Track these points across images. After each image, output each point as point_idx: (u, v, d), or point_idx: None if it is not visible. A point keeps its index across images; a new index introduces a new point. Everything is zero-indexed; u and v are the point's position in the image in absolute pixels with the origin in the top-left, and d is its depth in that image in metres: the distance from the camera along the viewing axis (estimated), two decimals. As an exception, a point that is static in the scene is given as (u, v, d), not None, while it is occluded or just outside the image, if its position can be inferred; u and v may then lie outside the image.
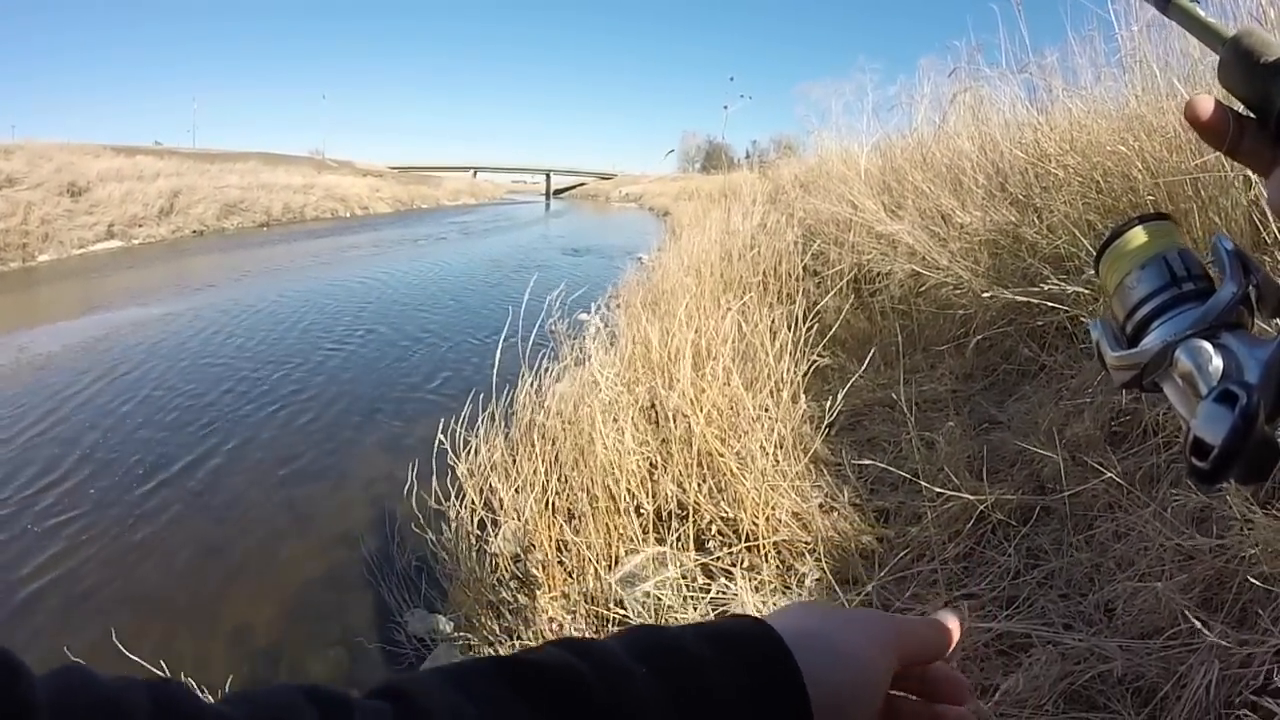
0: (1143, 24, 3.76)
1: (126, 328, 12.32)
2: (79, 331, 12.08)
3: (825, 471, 3.28)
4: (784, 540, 2.89)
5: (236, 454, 6.51)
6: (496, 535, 3.77)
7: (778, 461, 3.15)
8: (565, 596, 2.99)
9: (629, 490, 3.22)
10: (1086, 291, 3.27)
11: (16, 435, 6.96)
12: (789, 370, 3.51)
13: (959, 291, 4.41)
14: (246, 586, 4.55)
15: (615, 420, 3.43)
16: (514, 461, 3.91)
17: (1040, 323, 3.70)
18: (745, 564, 2.84)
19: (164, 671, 2.80)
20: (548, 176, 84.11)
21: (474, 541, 3.74)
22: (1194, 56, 3.25)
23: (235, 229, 34.16)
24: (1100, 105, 4.20)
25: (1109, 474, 2.45)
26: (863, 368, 3.69)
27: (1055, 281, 3.37)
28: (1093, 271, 0.72)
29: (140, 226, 30.25)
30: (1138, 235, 0.55)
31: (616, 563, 3.03)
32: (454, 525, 3.81)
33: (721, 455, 3.16)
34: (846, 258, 5.83)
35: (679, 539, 3.05)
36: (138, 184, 32.85)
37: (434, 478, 4.22)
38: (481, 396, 4.47)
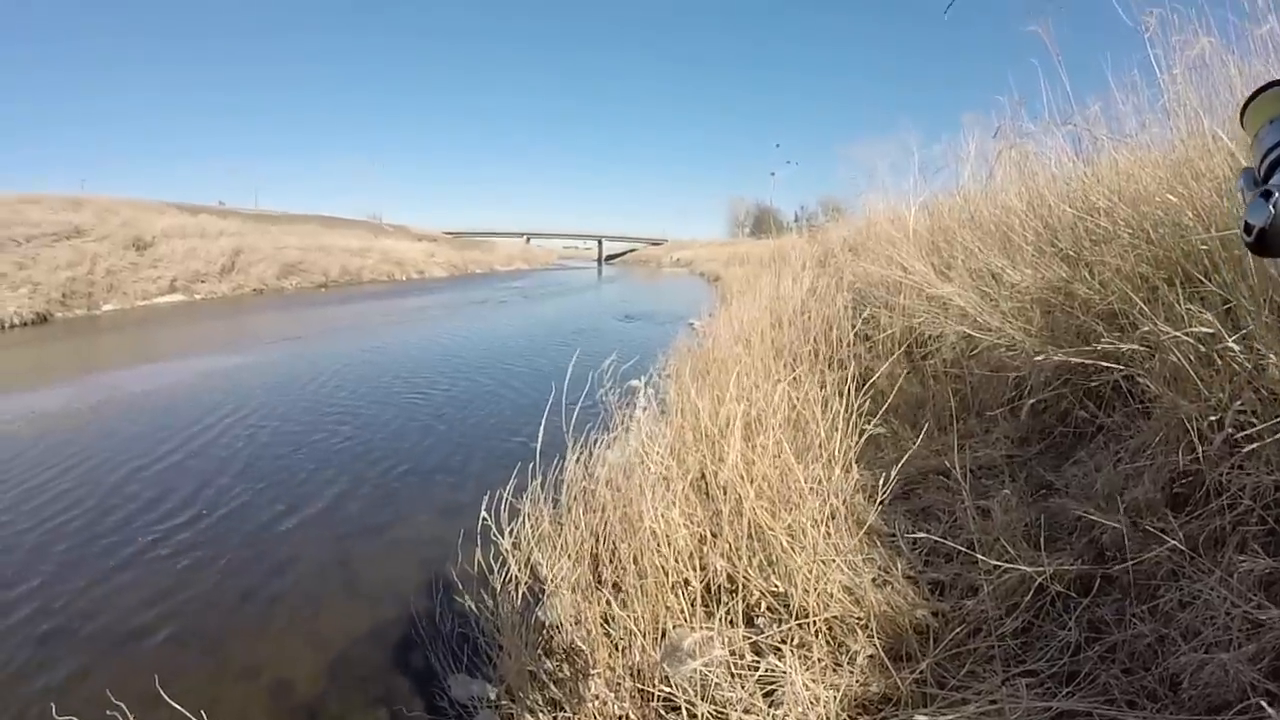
0: (1183, 66, 3.73)
1: (193, 378, 12.94)
2: (158, 377, 12.95)
3: (878, 543, 3.20)
4: (835, 616, 2.82)
5: (292, 507, 6.66)
6: (542, 605, 3.74)
7: (829, 534, 3.09)
8: (611, 670, 2.93)
9: (677, 564, 3.18)
10: (1142, 349, 3.17)
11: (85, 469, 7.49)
12: (841, 441, 3.43)
13: (1012, 353, 4.32)
14: (292, 638, 4.60)
15: (666, 492, 3.39)
16: (560, 531, 3.89)
17: (1096, 382, 3.58)
18: (795, 641, 2.77)
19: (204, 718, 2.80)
20: (599, 243, 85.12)
21: (519, 610, 3.69)
22: (1238, 98, 3.19)
23: (294, 288, 35.30)
24: (1146, 153, 4.14)
25: (1171, 540, 2.37)
26: (919, 438, 3.58)
27: (1109, 339, 3.29)
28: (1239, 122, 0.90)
29: (202, 282, 31.39)
30: (1271, 96, 0.81)
31: (663, 636, 2.97)
32: (499, 593, 3.77)
33: (772, 529, 3.09)
34: (897, 321, 5.77)
35: (728, 614, 2.98)
36: (200, 241, 34.20)
37: (481, 544, 4.24)
38: (531, 465, 4.48)
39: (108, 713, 2.87)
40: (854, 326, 5.92)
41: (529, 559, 3.80)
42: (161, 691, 2.96)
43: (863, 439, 3.41)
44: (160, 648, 4.42)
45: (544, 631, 3.51)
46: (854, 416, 3.49)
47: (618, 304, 27.90)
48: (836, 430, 3.72)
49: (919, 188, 7.92)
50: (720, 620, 2.94)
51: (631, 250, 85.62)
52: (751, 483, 3.25)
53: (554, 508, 4.09)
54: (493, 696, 3.64)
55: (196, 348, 17.44)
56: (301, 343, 17.54)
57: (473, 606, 3.83)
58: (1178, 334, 2.82)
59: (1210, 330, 2.72)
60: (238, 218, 43.90)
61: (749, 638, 2.86)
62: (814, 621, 2.80)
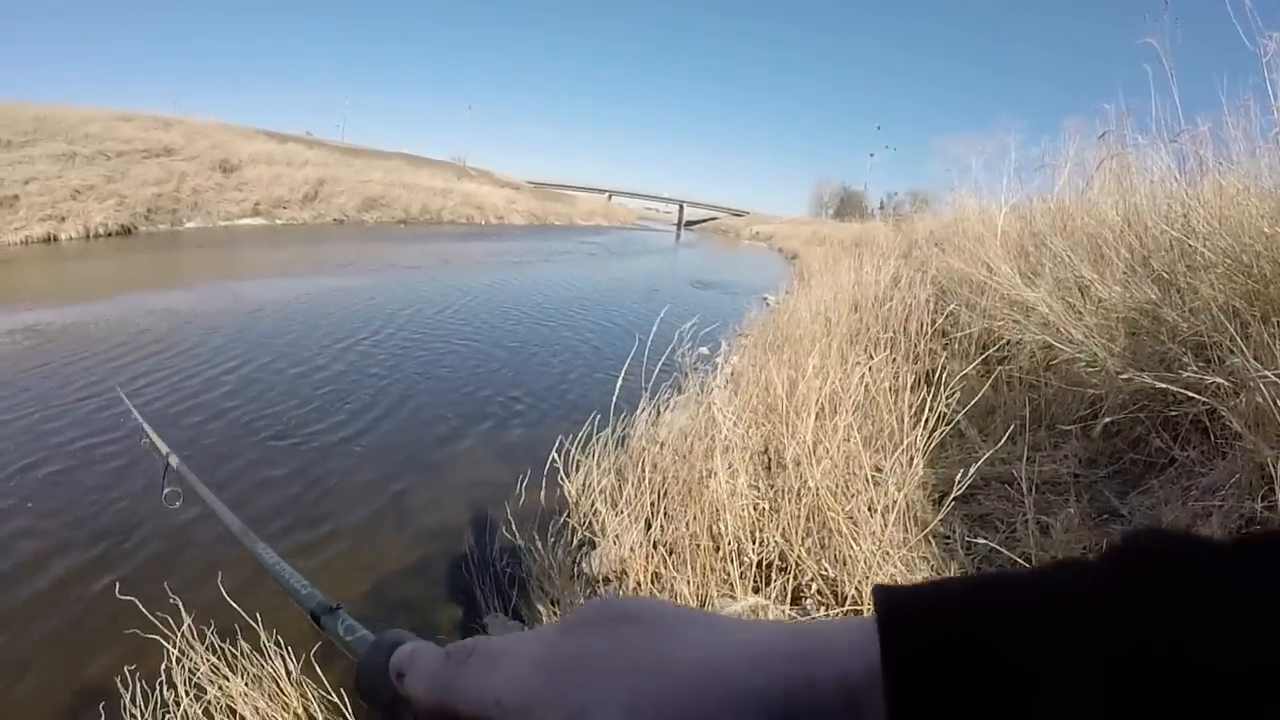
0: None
1: (300, 295, 13.68)
2: (266, 291, 13.94)
3: (933, 543, 3.16)
4: None
5: (357, 432, 6.85)
6: (594, 556, 3.79)
7: (885, 526, 3.07)
8: None
9: (735, 534, 3.19)
10: (1228, 384, 3.08)
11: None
12: (909, 434, 3.39)
13: (1091, 369, 4.22)
14: (338, 560, 4.71)
15: (731, 460, 3.41)
16: (621, 487, 3.92)
17: (1175, 413, 3.48)
18: None
19: (249, 619, 2.94)
20: (681, 207, 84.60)
21: (569, 559, 3.78)
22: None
23: (374, 222, 35.95)
24: (1254, 182, 3.99)
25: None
26: (989, 444, 3.55)
27: (1195, 370, 3.20)
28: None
29: (284, 209, 32.24)
30: None
31: (704, 603, 3.00)
32: (554, 539, 3.84)
33: (833, 512, 3.09)
34: (977, 322, 5.67)
35: (781, 591, 3.01)
36: (286, 169, 34.93)
37: (541, 490, 4.31)
38: (599, 418, 4.55)
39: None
40: (934, 322, 5.87)
41: (591, 509, 3.85)
42: (222, 588, 3.11)
43: (932, 435, 3.36)
44: (206, 551, 4.54)
45: (594, 583, 3.53)
46: (926, 412, 3.45)
47: (694, 270, 27.86)
48: (905, 423, 3.72)
49: (1012, 188, 7.79)
50: (770, 596, 2.98)
51: (712, 219, 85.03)
52: (819, 463, 3.25)
53: (618, 462, 4.12)
54: None
55: (292, 268, 18.17)
56: (393, 274, 18.10)
57: (526, 548, 3.89)
58: (1267, 373, 2.76)
59: (1303, 374, 2.65)
60: (324, 149, 44.66)
61: (795, 618, 2.86)
62: (865, 611, 2.76)
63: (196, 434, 6.37)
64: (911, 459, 3.29)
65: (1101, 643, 0.28)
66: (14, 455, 5.66)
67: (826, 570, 3.03)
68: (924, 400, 3.53)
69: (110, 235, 22.38)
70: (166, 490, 1.56)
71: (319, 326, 11.09)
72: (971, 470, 3.03)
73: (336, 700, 2.85)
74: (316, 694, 2.90)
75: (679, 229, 75.86)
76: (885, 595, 0.31)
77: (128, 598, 2.86)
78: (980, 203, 8.72)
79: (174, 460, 1.54)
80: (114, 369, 8.04)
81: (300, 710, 2.89)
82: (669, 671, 0.31)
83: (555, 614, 3.40)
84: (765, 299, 14.58)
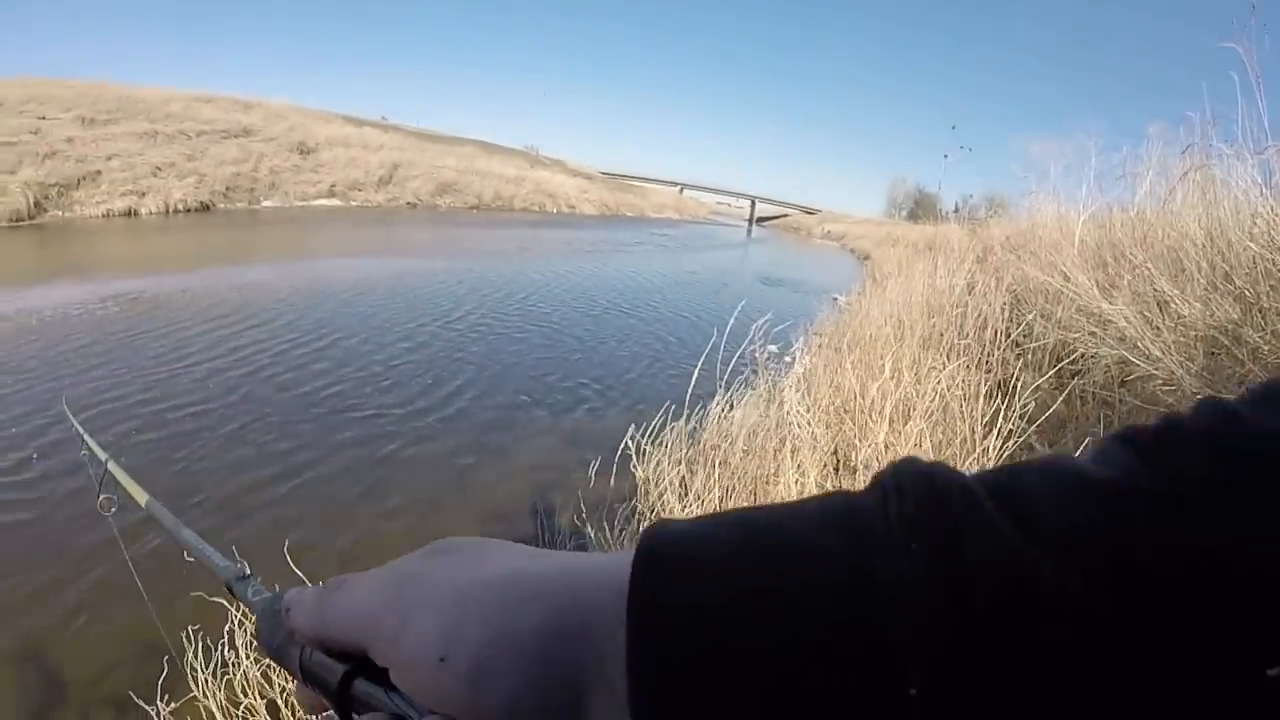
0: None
1: (382, 274, 14.24)
2: (347, 270, 14.57)
3: None
4: None
5: (428, 408, 7.05)
6: None
7: None
8: None
9: None
10: None
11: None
12: (989, 445, 3.35)
13: (1168, 388, 4.12)
14: (397, 532, 4.85)
15: (799, 463, 3.41)
16: (690, 480, 3.94)
17: None
18: None
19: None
20: (753, 203, 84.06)
21: (628, 547, 3.77)
22: None
23: (447, 207, 36.83)
24: None
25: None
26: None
27: None
28: None
29: (359, 191, 33.27)
30: None
31: None
32: (618, 528, 3.87)
33: None
34: (1052, 333, 5.56)
35: None
36: (362, 152, 36.06)
37: (610, 478, 4.38)
38: (670, 409, 4.60)
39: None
40: (1008, 331, 5.81)
41: (659, 499, 3.88)
42: (287, 555, 3.24)
43: (1006, 445, 3.31)
44: (275, 516, 4.82)
45: None
46: (1001, 422, 3.41)
47: (764, 267, 27.77)
48: (976, 433, 3.71)
49: (1091, 196, 7.65)
50: None
51: (784, 215, 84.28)
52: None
53: (688, 455, 4.14)
54: None
55: (372, 249, 19.18)
56: (472, 259, 18.53)
57: (593, 535, 3.93)
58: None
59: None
60: (399, 134, 45.64)
61: None
62: None
63: (270, 402, 6.67)
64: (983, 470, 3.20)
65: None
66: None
67: None
68: (998, 410, 3.47)
69: (189, 211, 23.38)
70: (101, 497, 1.63)
71: (401, 305, 11.54)
72: None
73: None
74: None
75: (750, 225, 75.31)
76: (650, 533, 0.36)
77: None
78: (1058, 209, 8.58)
79: (111, 465, 1.61)
80: (221, 337, 8.66)
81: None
82: (478, 579, 0.39)
83: None
84: (835, 299, 14.55)
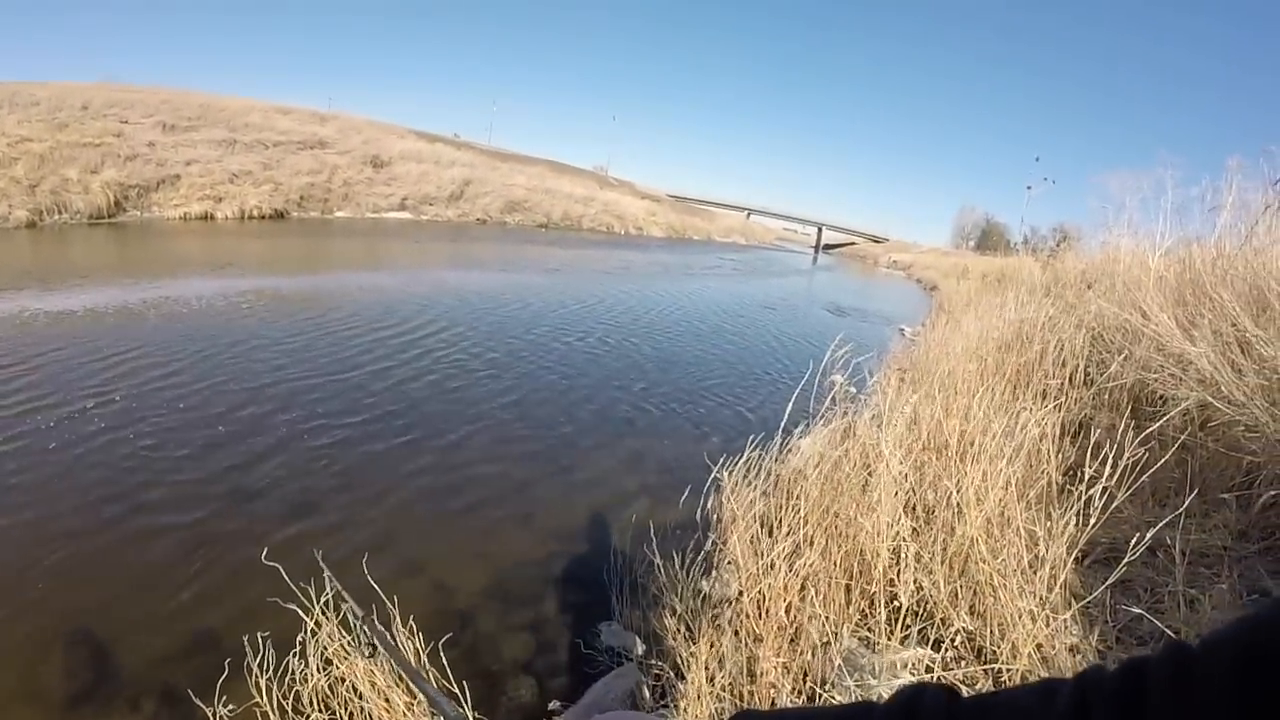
0: None
1: (467, 286, 15.21)
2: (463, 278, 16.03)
3: (1072, 603, 2.98)
4: (1027, 669, 2.70)
5: (498, 422, 7.17)
6: (719, 577, 3.82)
7: (1033, 584, 2.94)
8: (782, 661, 2.92)
9: (889, 577, 3.14)
10: None
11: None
12: (1080, 491, 3.15)
13: (1252, 434, 3.97)
14: (463, 548, 4.89)
15: (878, 498, 3.35)
16: (764, 512, 3.87)
17: None
18: (977, 685, 2.70)
19: (388, 602, 3.09)
20: (819, 230, 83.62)
21: (697, 577, 3.76)
22: None
23: (516, 224, 37.55)
24: None
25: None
26: (1153, 509, 3.39)
27: None
28: None
29: (430, 205, 34.15)
30: None
31: (829, 643, 2.97)
32: (687, 557, 3.79)
33: (983, 564, 3.00)
34: (1129, 372, 5.38)
35: (921, 637, 2.98)
36: (434, 168, 37.08)
37: (676, 505, 4.36)
38: (737, 438, 4.60)
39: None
40: (1085, 369, 5.70)
41: (727, 531, 3.85)
42: (366, 570, 3.28)
43: (1084, 488, 3.19)
44: (349, 530, 4.89)
45: (722, 604, 3.50)
46: (1086, 468, 3.27)
47: (830, 295, 27.64)
48: (1049, 472, 3.63)
49: (1168, 229, 7.54)
50: (908, 643, 2.94)
51: (850, 243, 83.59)
52: (980, 510, 3.17)
53: (761, 486, 4.08)
54: (641, 652, 3.71)
55: (458, 261, 20.68)
56: (550, 275, 19.37)
57: (656, 562, 3.91)
58: None
59: None
60: (471, 151, 46.64)
61: (932, 670, 2.83)
62: (1004, 671, 2.73)
63: (321, 401, 6.90)
64: (1065, 516, 3.15)
65: None
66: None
67: (966, 623, 2.96)
68: (1081, 452, 3.36)
69: (264, 218, 24.41)
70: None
71: (486, 314, 12.31)
72: (1148, 536, 2.85)
73: (455, 690, 2.94)
74: (437, 679, 2.99)
75: (816, 251, 74.99)
76: None
77: (272, 564, 3.02)
78: (1135, 243, 8.43)
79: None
80: (348, 336, 9.47)
81: (420, 696, 3.01)
82: None
83: (678, 631, 3.42)
84: (902, 330, 14.49)
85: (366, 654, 2.22)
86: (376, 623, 1.83)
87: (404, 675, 2.03)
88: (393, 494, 5.44)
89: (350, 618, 2.18)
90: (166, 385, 6.96)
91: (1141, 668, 0.48)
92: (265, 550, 3.00)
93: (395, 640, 2.98)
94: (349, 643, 2.88)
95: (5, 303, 9.32)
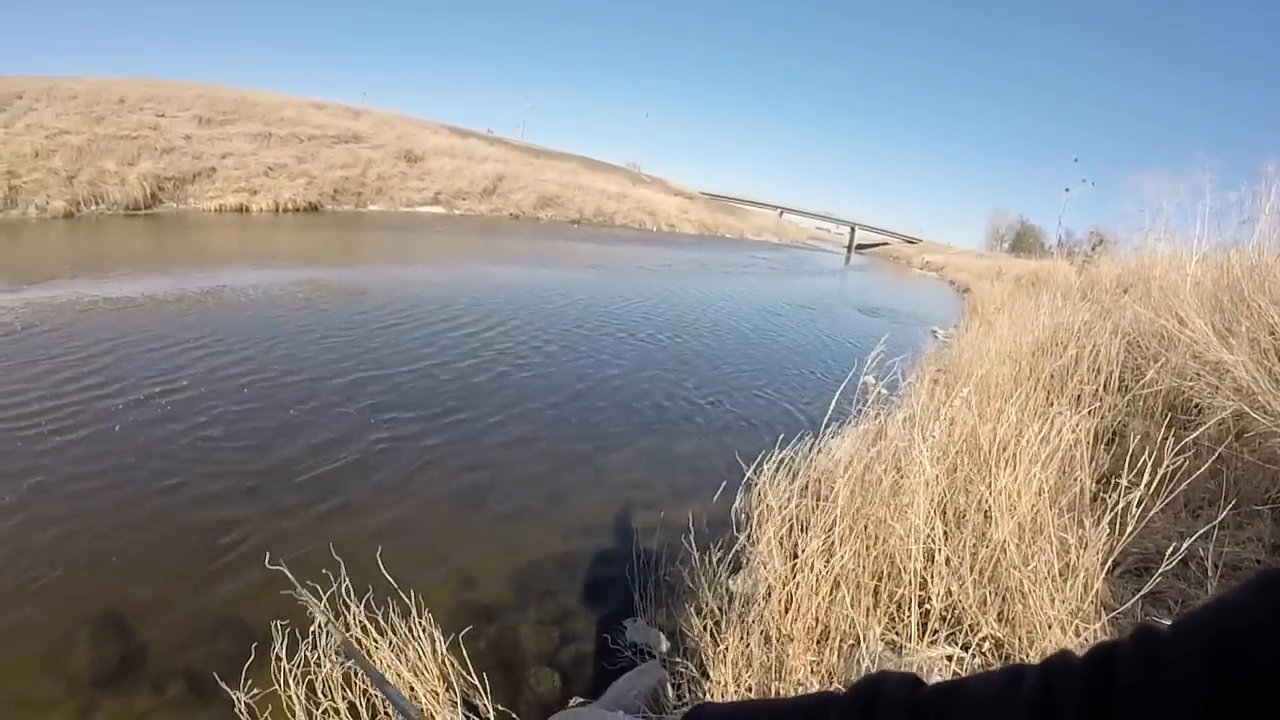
0: None
1: (534, 280, 16.01)
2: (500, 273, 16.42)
3: (1102, 614, 2.93)
4: None
5: (527, 416, 7.24)
6: (752, 578, 3.73)
7: (1063, 592, 2.92)
8: (812, 661, 2.93)
9: (923, 579, 3.13)
10: None
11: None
12: (1115, 498, 3.12)
13: None
14: (489, 540, 4.92)
15: (912, 501, 3.34)
16: (795, 512, 3.81)
17: None
18: None
19: (402, 594, 3.17)
20: (852, 229, 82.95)
21: (724, 575, 3.79)
22: None
23: (548, 220, 37.70)
24: None
25: None
26: (1185, 519, 3.36)
27: None
28: None
29: (463, 200, 34.45)
30: None
31: (856, 644, 2.95)
32: (716, 555, 3.81)
33: (1015, 569, 2.98)
34: (1164, 379, 5.26)
35: (950, 639, 2.98)
36: (467, 163, 37.34)
37: (708, 502, 4.39)
38: (770, 438, 4.60)
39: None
40: (1120, 375, 5.64)
41: (757, 530, 3.85)
42: (380, 561, 3.34)
43: (1118, 497, 3.17)
44: (373, 520, 4.93)
45: (749, 602, 3.48)
46: (1122, 477, 3.23)
47: (862, 295, 27.51)
48: (1082, 479, 3.59)
49: (1206, 234, 7.46)
50: (937, 646, 2.95)
51: (883, 244, 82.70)
52: (1013, 517, 3.15)
53: (792, 486, 4.06)
54: (666, 650, 3.73)
55: (492, 255, 20.72)
56: (587, 271, 19.65)
57: (682, 558, 3.94)
58: None
59: None
60: (504, 146, 46.93)
61: (958, 674, 2.76)
62: None
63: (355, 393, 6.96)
64: (1099, 523, 3.12)
65: None
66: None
67: (994, 629, 2.95)
68: (1115, 460, 3.32)
69: (298, 211, 24.80)
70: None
71: (537, 309, 12.72)
72: (1183, 546, 2.82)
73: (475, 682, 2.98)
74: (457, 672, 3.06)
75: (849, 251, 74.36)
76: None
77: (294, 555, 3.03)
78: (1172, 248, 8.32)
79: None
80: (404, 330, 9.82)
81: (438, 685, 3.05)
82: None
83: (705, 629, 3.41)
84: (934, 332, 14.45)
85: (340, 660, 2.30)
86: (343, 629, 1.89)
87: (370, 679, 2.11)
88: (437, 486, 5.52)
89: (320, 622, 2.23)
90: (232, 374, 7.13)
91: (1110, 653, 0.49)
92: (306, 542, 3.05)
93: (410, 630, 3.06)
94: (330, 644, 2.94)
95: (62, 290, 9.62)
